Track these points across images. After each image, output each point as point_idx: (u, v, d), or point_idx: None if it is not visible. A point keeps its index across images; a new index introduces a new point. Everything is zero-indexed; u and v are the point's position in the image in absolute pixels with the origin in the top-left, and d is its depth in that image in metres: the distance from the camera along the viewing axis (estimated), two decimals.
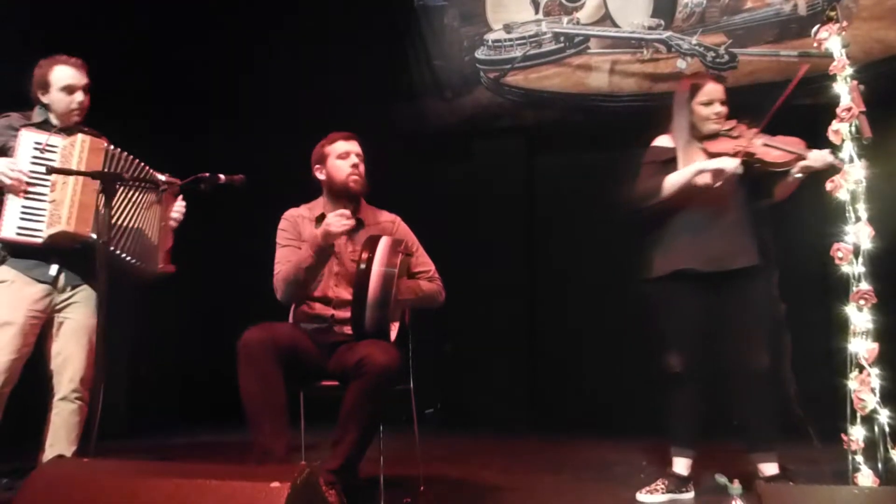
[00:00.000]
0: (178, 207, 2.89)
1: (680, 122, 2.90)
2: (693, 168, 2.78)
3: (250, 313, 2.81)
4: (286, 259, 2.79)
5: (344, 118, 4.94)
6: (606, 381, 4.71)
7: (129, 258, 2.67)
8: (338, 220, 2.60)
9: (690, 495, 2.85)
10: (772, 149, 2.75)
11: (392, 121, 5.20)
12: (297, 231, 2.85)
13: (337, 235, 2.64)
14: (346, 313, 2.72)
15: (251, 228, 3.26)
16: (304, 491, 1.65)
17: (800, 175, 2.71)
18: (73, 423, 2.65)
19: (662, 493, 2.82)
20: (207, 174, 2.52)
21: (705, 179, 2.77)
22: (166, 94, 5.08)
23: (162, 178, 2.77)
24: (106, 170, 2.58)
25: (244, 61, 5.26)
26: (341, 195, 2.82)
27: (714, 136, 2.85)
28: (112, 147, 2.65)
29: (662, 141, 2.98)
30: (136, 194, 2.71)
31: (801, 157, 2.69)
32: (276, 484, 1.61)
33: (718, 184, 2.74)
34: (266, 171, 3.96)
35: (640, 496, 2.83)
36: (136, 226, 2.71)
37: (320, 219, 2.82)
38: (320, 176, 2.86)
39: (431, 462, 3.23)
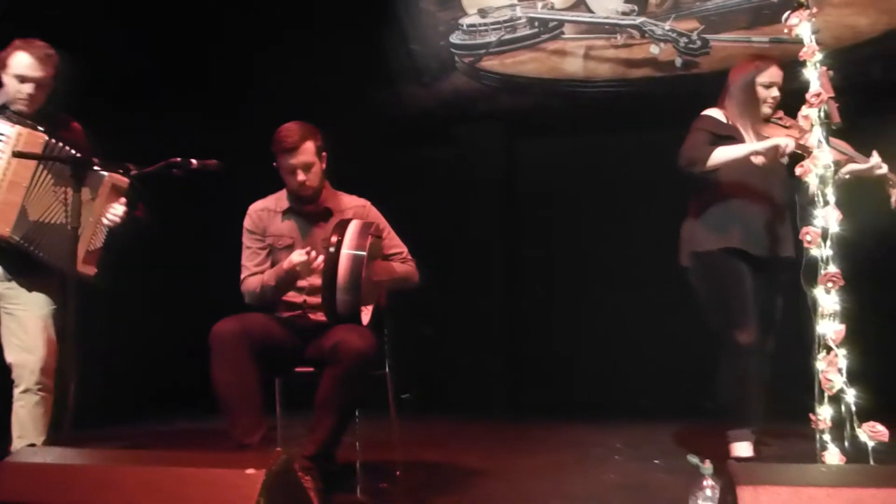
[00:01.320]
0: (116, 209, 2.75)
1: (745, 99, 2.86)
2: (748, 147, 2.74)
3: (224, 300, 2.80)
4: (251, 262, 2.80)
5: (322, 103, 4.93)
6: (584, 365, 4.76)
7: (43, 255, 2.61)
8: (304, 262, 2.58)
9: None
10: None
11: (370, 105, 5.17)
12: (262, 228, 2.83)
13: (302, 277, 2.65)
14: (318, 299, 2.71)
15: (225, 215, 3.23)
16: (279, 477, 1.66)
17: (847, 176, 2.69)
18: (39, 414, 2.62)
19: None
20: (179, 159, 2.49)
21: (757, 160, 2.72)
22: (141, 79, 5.01)
23: (105, 174, 2.70)
24: (41, 165, 2.54)
25: (220, 47, 5.18)
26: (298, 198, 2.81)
27: (765, 121, 2.85)
28: (53, 141, 2.59)
29: (714, 114, 2.93)
30: (64, 189, 2.60)
31: (852, 160, 2.70)
32: (251, 471, 1.61)
33: (763, 161, 2.69)
34: (242, 158, 3.92)
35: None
36: (58, 222, 2.62)
37: (286, 213, 2.82)
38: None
39: (408, 447, 3.24)
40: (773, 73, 2.85)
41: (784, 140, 2.65)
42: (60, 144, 2.60)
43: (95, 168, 2.63)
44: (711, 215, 2.90)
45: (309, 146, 2.72)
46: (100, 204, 2.74)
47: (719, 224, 2.87)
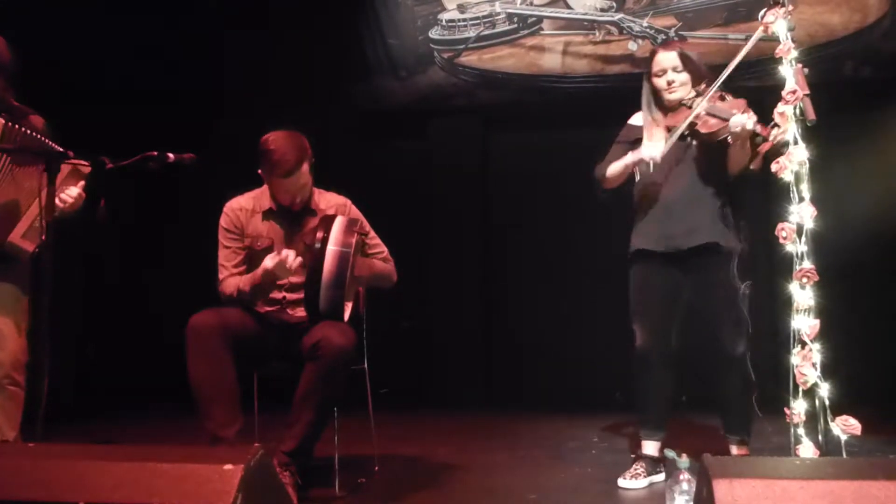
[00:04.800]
0: (71, 191, 2.59)
1: (643, 99, 2.88)
2: (621, 163, 2.80)
3: (200, 292, 2.77)
4: (229, 262, 2.74)
5: (298, 96, 4.90)
6: (560, 359, 4.78)
7: None
8: (279, 263, 2.55)
9: (662, 476, 2.80)
10: (711, 117, 2.65)
11: (347, 99, 5.16)
12: (240, 227, 2.76)
13: (280, 278, 2.63)
14: (297, 296, 2.69)
15: (202, 209, 3.20)
16: (257, 472, 1.64)
17: (766, 143, 2.49)
18: (10, 409, 2.56)
19: (643, 476, 2.76)
20: (156, 153, 2.46)
21: (642, 168, 2.77)
22: (119, 74, 4.95)
23: (58, 149, 2.46)
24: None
25: (198, 41, 5.12)
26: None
27: (678, 106, 2.78)
28: (11, 125, 2.48)
29: (636, 119, 2.92)
30: (8, 164, 2.50)
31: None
32: (228, 466, 1.59)
33: (653, 168, 2.71)
34: (219, 153, 3.89)
35: (622, 482, 2.75)
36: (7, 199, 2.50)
37: (267, 214, 2.77)
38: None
39: (386, 442, 3.24)
40: (658, 61, 2.82)
41: (646, 152, 2.70)
42: (18, 127, 2.47)
43: (60, 152, 2.46)
44: (633, 218, 2.91)
45: (304, 168, 2.66)
46: (52, 182, 2.45)
47: (634, 226, 2.88)
